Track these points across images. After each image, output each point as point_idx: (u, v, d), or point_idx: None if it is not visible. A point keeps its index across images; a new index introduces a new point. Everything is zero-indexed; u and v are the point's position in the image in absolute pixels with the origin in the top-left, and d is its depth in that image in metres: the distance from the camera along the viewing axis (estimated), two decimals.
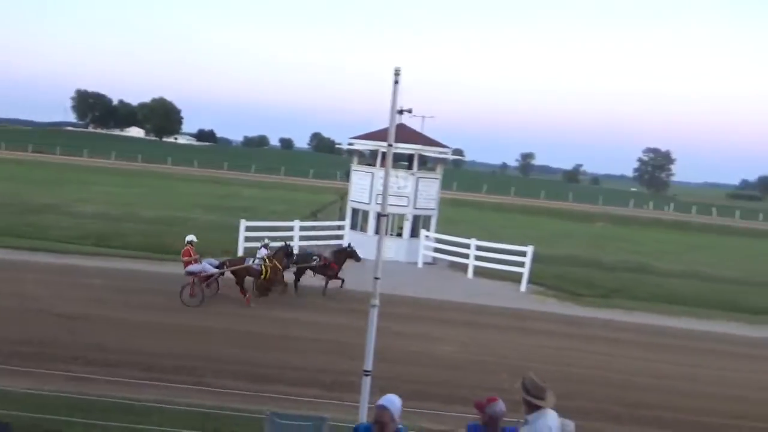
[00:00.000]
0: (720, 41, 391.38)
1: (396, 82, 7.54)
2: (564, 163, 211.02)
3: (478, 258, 23.36)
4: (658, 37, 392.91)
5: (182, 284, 16.65)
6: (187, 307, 16.09)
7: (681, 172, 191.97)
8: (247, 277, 17.28)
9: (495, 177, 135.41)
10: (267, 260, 17.21)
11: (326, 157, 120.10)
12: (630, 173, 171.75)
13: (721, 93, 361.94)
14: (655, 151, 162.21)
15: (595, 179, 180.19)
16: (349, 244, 20.36)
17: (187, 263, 16.98)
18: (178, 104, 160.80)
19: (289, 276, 18.32)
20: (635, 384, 13.53)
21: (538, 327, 17.43)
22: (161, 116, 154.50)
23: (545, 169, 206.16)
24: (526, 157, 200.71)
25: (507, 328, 17.04)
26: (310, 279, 18.92)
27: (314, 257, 18.82)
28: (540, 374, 5.42)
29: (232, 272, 17.17)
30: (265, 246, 18.22)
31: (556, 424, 5.29)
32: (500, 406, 5.48)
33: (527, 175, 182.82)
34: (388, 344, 12.10)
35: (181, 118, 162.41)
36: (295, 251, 19.91)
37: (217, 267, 17.25)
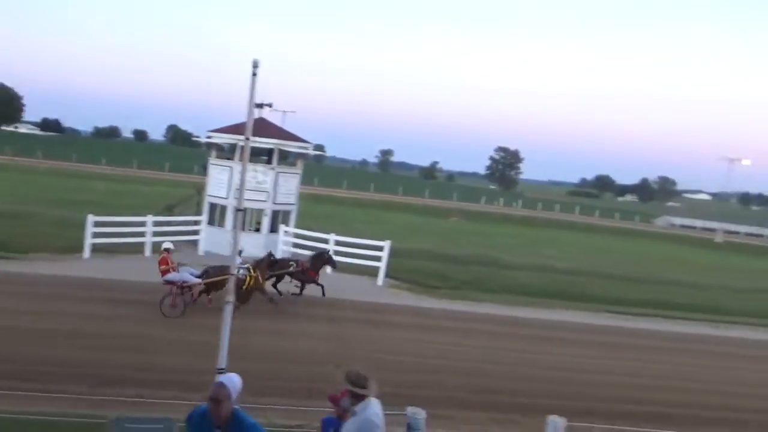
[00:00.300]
0: (558, 43, 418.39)
1: (254, 74, 7.47)
2: (421, 160, 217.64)
3: (336, 253, 23.55)
4: (508, 38, 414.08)
5: (163, 294, 15.80)
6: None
7: (528, 171, 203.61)
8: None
9: (355, 173, 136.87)
10: (251, 270, 16.70)
11: (183, 151, 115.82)
12: (482, 171, 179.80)
13: (563, 96, 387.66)
14: (505, 150, 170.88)
15: (451, 176, 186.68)
16: (328, 250, 20.04)
17: (164, 272, 16.16)
18: (20, 91, 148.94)
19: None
20: (484, 371, 14.26)
21: (393, 320, 17.91)
22: None
23: (403, 166, 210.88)
24: (386, 153, 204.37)
25: (364, 322, 17.35)
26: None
27: (291, 263, 18.57)
28: (366, 365, 5.64)
29: (214, 282, 16.29)
30: (239, 253, 17.62)
31: (381, 411, 5.52)
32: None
33: (386, 171, 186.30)
34: (244, 342, 11.98)
35: (23, 105, 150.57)
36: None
37: (198, 276, 16.48)
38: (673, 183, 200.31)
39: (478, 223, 57.83)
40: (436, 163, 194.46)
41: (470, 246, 36.47)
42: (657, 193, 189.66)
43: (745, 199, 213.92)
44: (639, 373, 15.57)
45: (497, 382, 13.71)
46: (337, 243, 23.61)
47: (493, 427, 11.47)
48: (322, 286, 18.64)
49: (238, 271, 16.18)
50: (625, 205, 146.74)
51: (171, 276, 16.12)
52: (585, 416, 11.10)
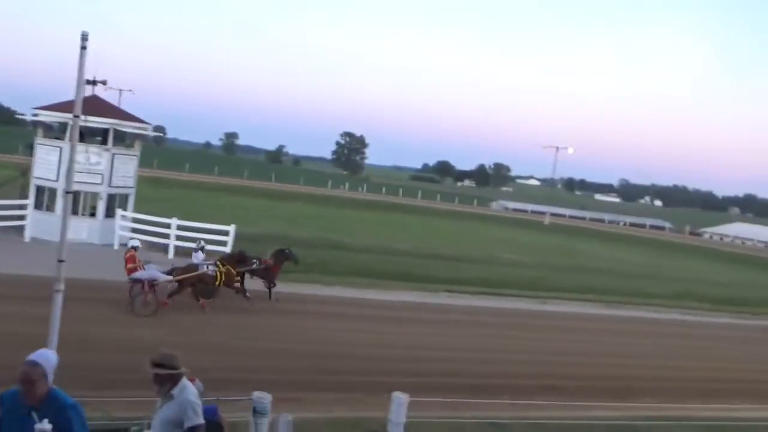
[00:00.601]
0: (403, 24, 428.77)
1: (83, 47, 7.05)
2: (267, 143, 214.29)
3: (179, 238, 22.82)
4: (352, 19, 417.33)
5: (133, 293, 15.67)
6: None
7: (373, 156, 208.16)
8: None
9: (198, 155, 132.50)
10: (221, 265, 16.77)
11: (4, 129, 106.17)
12: (329, 155, 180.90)
13: (407, 81, 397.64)
14: (351, 135, 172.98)
15: (297, 160, 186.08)
16: (288, 247, 19.81)
17: (132, 270, 15.93)
18: None
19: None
20: (331, 353, 14.45)
21: (240, 304, 17.64)
22: None
23: (249, 149, 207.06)
24: (230, 136, 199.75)
25: (210, 308, 16.96)
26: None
27: (254, 260, 18.21)
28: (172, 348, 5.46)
29: (184, 280, 16.27)
30: (201, 249, 17.78)
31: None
32: (197, 385, 5.53)
33: (231, 154, 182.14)
34: (78, 331, 11.34)
35: None
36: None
37: (167, 273, 16.37)
38: (508, 169, 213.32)
39: (324, 206, 58.23)
40: (282, 147, 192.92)
41: (316, 230, 36.69)
42: (493, 178, 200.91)
43: (570, 184, 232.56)
44: (469, 347, 16.54)
45: (343, 362, 13.98)
46: (180, 228, 22.87)
47: (339, 406, 11.68)
48: (272, 286, 18.67)
49: (207, 268, 16.65)
50: (464, 189, 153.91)
51: (138, 274, 15.93)
52: (427, 391, 11.61)
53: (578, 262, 37.76)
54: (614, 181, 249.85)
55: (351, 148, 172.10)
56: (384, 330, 17.19)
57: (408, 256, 30.04)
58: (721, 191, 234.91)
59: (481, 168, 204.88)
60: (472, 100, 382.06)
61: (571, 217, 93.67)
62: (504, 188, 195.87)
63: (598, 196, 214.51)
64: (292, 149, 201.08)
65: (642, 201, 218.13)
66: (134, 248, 16.51)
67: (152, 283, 15.92)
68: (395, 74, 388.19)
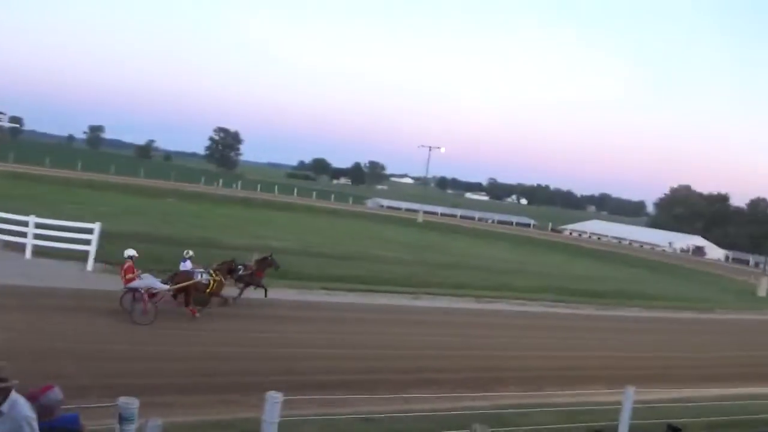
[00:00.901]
0: (276, 20, 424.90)
1: None
2: (136, 138, 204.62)
3: (38, 237, 21.40)
4: (218, 15, 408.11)
5: (128, 302, 15.93)
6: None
7: (248, 152, 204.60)
8: None
9: (60, 149, 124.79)
10: (213, 274, 17.33)
11: None
12: (202, 151, 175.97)
13: (284, 79, 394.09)
14: (225, 130, 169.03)
15: (168, 156, 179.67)
16: (271, 253, 20.88)
17: (131, 280, 16.16)
18: None
19: None
20: (206, 354, 14.17)
21: (103, 306, 16.76)
22: None
23: (116, 144, 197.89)
24: (95, 129, 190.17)
25: (71, 310, 16.04)
26: None
27: (239, 266, 18.85)
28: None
29: (182, 288, 16.75)
30: (191, 258, 18.27)
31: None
32: (56, 393, 5.25)
33: (96, 148, 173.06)
34: None
35: None
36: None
37: (164, 283, 16.64)
38: (383, 168, 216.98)
39: (197, 204, 56.58)
40: (152, 141, 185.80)
41: (188, 228, 35.61)
42: (368, 176, 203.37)
43: (442, 183, 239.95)
44: (345, 344, 16.75)
45: (217, 363, 13.69)
46: (38, 226, 21.45)
47: (212, 409, 11.41)
48: (265, 288, 19.62)
49: (201, 276, 17.19)
50: (340, 187, 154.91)
51: (135, 283, 16.12)
52: (302, 389, 11.59)
53: (450, 258, 39.01)
54: (483, 180, 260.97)
55: (225, 144, 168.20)
56: (261, 329, 17.00)
57: (285, 253, 29.73)
58: (579, 190, 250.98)
59: (357, 166, 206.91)
60: (349, 98, 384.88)
61: (443, 214, 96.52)
62: (379, 186, 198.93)
63: (469, 195, 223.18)
64: (163, 144, 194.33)
65: (509, 199, 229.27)
66: (131, 258, 16.61)
67: (151, 292, 16.13)
68: (272, 70, 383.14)
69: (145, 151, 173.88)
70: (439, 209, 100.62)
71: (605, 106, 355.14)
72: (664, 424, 11.22)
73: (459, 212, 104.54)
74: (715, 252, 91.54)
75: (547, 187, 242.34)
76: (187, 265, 17.98)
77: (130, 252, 16.86)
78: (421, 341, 18.17)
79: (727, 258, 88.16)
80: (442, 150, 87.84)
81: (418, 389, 13.55)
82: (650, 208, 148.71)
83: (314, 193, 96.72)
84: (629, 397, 10.43)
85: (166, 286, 16.61)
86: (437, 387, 14.02)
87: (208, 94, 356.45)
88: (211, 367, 13.41)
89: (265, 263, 20.01)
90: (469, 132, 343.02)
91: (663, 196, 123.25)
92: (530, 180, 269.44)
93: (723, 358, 21.76)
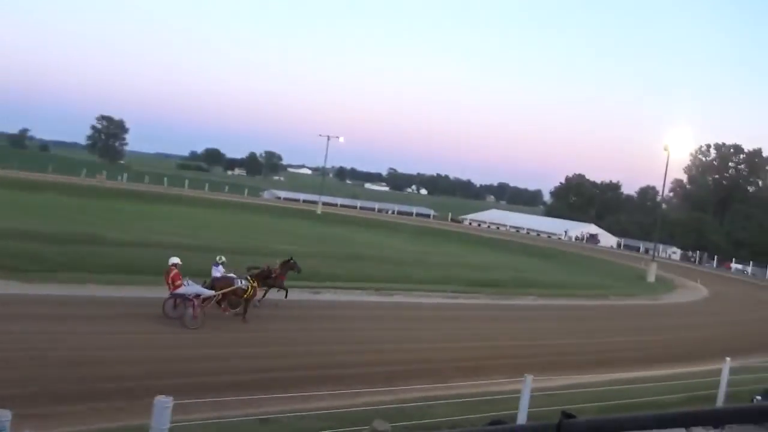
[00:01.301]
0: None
1: None
2: (8, 126, 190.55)
3: None
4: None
5: (184, 307, 16.65)
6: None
7: (134, 142, 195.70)
8: None
9: None
10: (251, 280, 18.50)
11: None
12: (83, 141, 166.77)
13: (170, 65, 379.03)
14: (108, 119, 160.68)
15: (45, 146, 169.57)
16: (291, 257, 21.60)
17: (178, 286, 16.75)
18: None
19: None
20: (86, 359, 13.25)
21: None
22: None
23: None
24: None
25: None
26: None
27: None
28: None
29: (224, 293, 17.98)
30: (223, 264, 19.22)
31: None
32: None
33: None
34: None
35: None
36: None
37: (209, 288, 17.53)
38: (279, 158, 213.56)
39: (78, 197, 53.38)
40: (26, 130, 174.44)
41: (69, 223, 33.37)
42: (264, 167, 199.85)
43: (341, 173, 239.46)
44: (238, 343, 16.26)
45: (101, 369, 12.71)
46: None
47: (94, 418, 10.55)
48: (286, 290, 20.62)
49: (241, 282, 18.25)
50: (234, 178, 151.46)
51: (184, 290, 16.77)
52: (193, 392, 10.87)
53: (351, 250, 38.61)
54: (383, 171, 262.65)
55: (109, 133, 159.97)
56: (143, 330, 16.07)
57: (174, 249, 28.40)
58: (478, 180, 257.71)
59: (252, 156, 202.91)
60: (244, 87, 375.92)
61: (342, 206, 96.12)
62: (275, 177, 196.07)
63: (368, 185, 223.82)
64: (39, 133, 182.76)
65: (409, 190, 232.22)
66: (175, 265, 17.09)
67: (203, 298, 16.95)
68: (160, 54, 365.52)
69: (19, 140, 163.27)
70: (339, 200, 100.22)
71: (501, 96, 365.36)
72: (559, 411, 11.30)
73: (359, 203, 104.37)
74: (608, 239, 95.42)
75: (446, 177, 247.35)
76: (219, 270, 18.80)
77: (175, 260, 17.40)
78: (322, 337, 17.73)
79: (619, 245, 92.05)
80: (341, 140, 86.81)
81: (316, 386, 13.17)
82: (547, 197, 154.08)
83: (207, 185, 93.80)
84: (528, 385, 10.53)
85: (212, 292, 17.53)
86: (338, 383, 13.60)
87: (89, 80, 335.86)
88: (91, 373, 12.50)
89: (287, 266, 20.95)
90: (368, 121, 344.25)
91: (558, 185, 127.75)
92: (430, 170, 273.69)
93: (616, 343, 22.57)
